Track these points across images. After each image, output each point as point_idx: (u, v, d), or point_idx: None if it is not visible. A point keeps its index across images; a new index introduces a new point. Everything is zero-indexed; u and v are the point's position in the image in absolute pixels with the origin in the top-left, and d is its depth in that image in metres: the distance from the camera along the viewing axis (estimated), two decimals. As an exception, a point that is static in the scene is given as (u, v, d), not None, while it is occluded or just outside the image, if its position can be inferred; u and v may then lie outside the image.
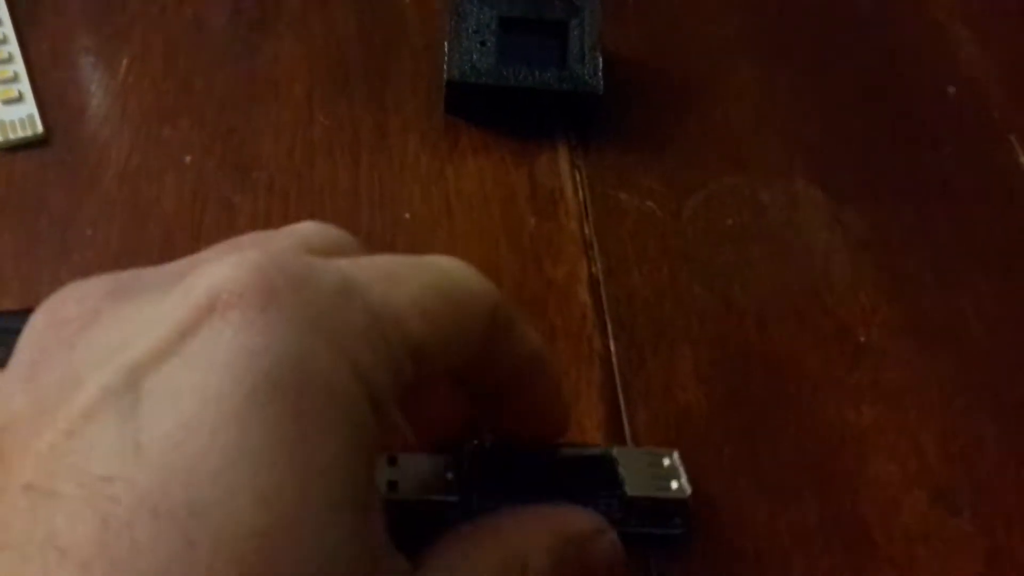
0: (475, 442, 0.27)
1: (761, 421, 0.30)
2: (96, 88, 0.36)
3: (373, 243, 0.32)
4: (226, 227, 0.33)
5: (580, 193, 0.35)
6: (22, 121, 0.34)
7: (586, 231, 0.34)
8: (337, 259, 0.19)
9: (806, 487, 0.29)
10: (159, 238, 0.32)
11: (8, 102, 0.35)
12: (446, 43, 0.36)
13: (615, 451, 0.27)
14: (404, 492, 0.25)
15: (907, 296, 0.33)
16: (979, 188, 0.37)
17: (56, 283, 0.30)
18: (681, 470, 0.27)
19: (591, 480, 0.26)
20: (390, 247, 0.33)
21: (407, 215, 0.34)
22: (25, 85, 0.35)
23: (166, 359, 0.16)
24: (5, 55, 0.36)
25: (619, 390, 0.30)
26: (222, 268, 0.17)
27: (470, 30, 0.36)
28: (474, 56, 0.36)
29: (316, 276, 0.17)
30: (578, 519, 0.23)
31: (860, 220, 0.35)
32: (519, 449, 0.26)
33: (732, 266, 0.33)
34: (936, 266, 0.34)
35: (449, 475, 0.26)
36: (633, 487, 0.26)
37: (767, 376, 0.31)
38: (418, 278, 0.19)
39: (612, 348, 0.31)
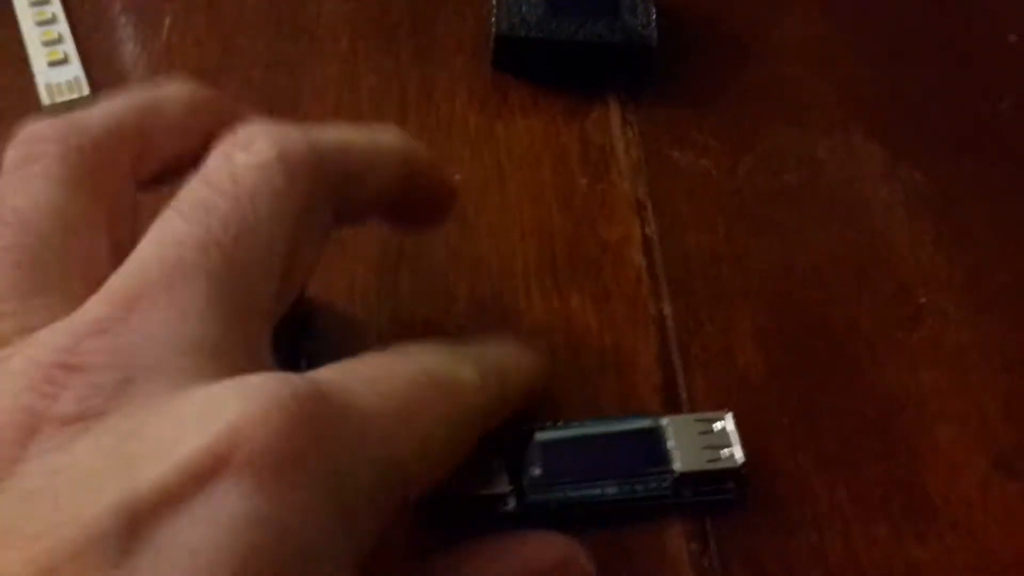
0: (524, 428, 0.27)
1: (820, 385, 0.29)
2: (140, 48, 0.36)
3: (423, 205, 0.32)
4: (276, 190, 0.32)
5: (632, 151, 0.34)
6: (69, 83, 0.34)
7: (639, 191, 0.33)
8: (359, 386, 0.18)
9: (865, 452, 0.28)
10: (210, 202, 0.32)
11: (54, 64, 0.34)
12: (493, -6, 0.36)
13: (664, 421, 0.27)
14: (454, 487, 0.25)
15: (968, 254, 0.33)
16: (1042, 140, 0.36)
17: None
18: (734, 435, 0.27)
19: (639, 458, 0.26)
20: (440, 208, 0.32)
21: (456, 176, 0.33)
22: (70, 46, 0.35)
23: (167, 511, 0.15)
24: (49, 15, 0.35)
25: (675, 354, 0.30)
26: (247, 403, 0.16)
27: (518, -20, 0.35)
28: (523, 8, 0.35)
29: (339, 428, 0.17)
30: (544, 552, 0.23)
31: (919, 175, 0.34)
32: (566, 431, 0.27)
33: (790, 225, 0.33)
34: (997, 222, 0.34)
35: (496, 465, 0.26)
36: (683, 462, 0.26)
37: (826, 339, 0.30)
38: (426, 411, 0.19)
39: (668, 312, 0.31)
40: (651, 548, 0.26)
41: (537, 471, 0.26)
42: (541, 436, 0.27)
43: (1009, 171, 0.35)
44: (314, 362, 0.28)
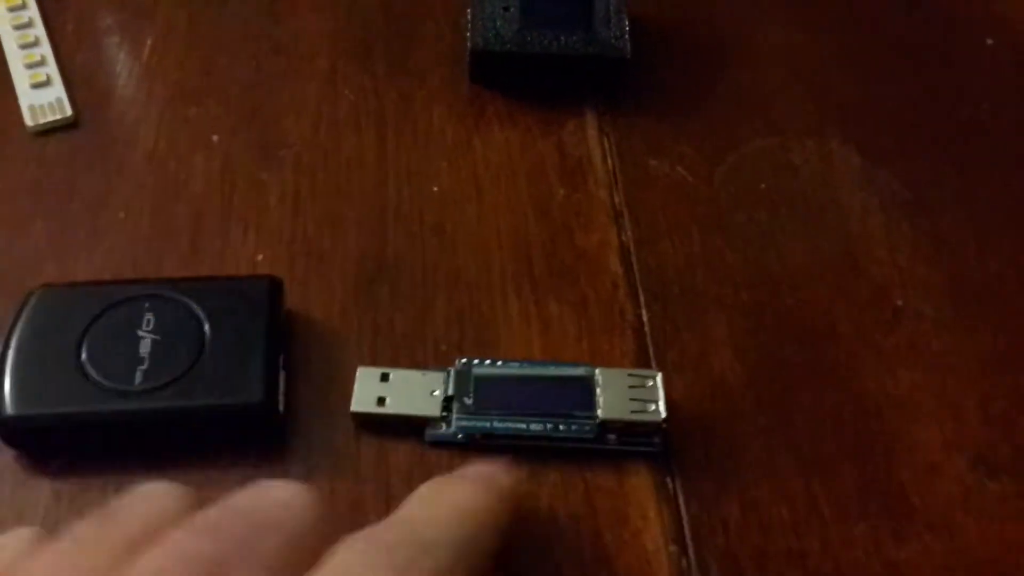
0: (462, 361, 0.29)
1: (797, 388, 0.29)
2: (121, 69, 0.36)
3: (402, 218, 0.33)
4: (256, 206, 0.33)
5: (609, 161, 0.35)
6: (51, 105, 0.34)
7: (616, 199, 0.34)
8: None
9: (844, 454, 0.28)
10: (190, 219, 0.32)
11: (37, 86, 0.35)
12: (469, 10, 0.36)
13: (598, 372, 0.28)
14: (391, 407, 0.28)
15: (945, 258, 0.33)
16: (1019, 144, 0.36)
17: (90, 267, 0.31)
18: (661, 392, 0.28)
19: (567, 401, 0.28)
20: (419, 221, 0.33)
21: (435, 188, 0.33)
22: (52, 68, 0.35)
23: None
24: (32, 38, 0.36)
25: (652, 360, 0.30)
26: None
27: (493, -4, 0.36)
28: (498, 23, 0.35)
29: None
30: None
31: (896, 180, 0.35)
32: (503, 369, 0.28)
33: (766, 231, 0.33)
34: (974, 226, 0.34)
35: (435, 392, 0.28)
36: (608, 410, 0.27)
37: (803, 342, 0.30)
38: None
39: (644, 318, 0.31)
40: (631, 549, 0.26)
41: (468, 400, 0.28)
42: (478, 370, 0.28)
43: (986, 175, 0.35)
44: (293, 374, 0.29)
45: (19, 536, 0.21)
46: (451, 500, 0.22)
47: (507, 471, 0.24)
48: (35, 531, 0.21)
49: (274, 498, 0.20)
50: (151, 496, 0.21)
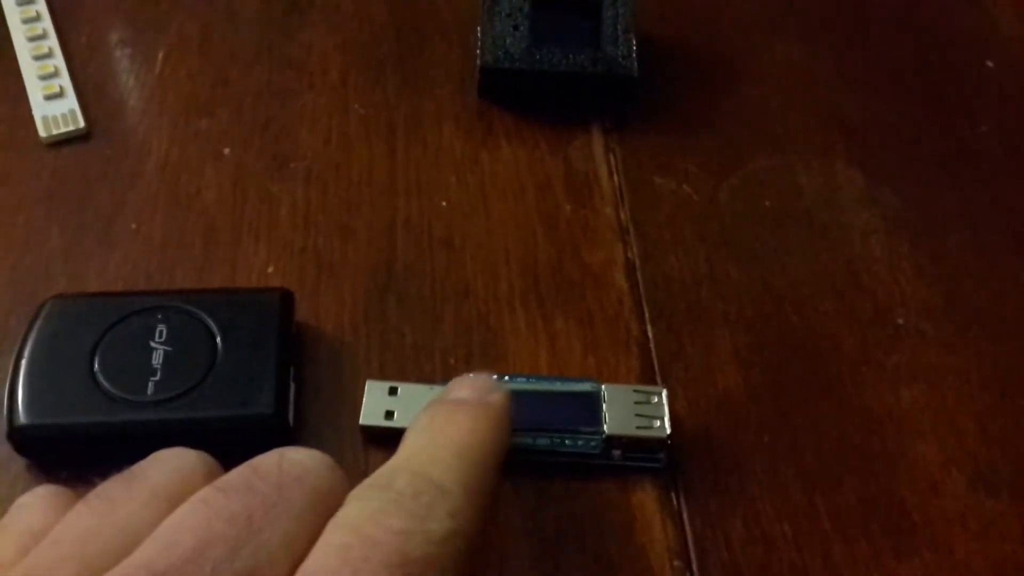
0: (470, 376, 0.28)
1: (800, 404, 0.30)
2: (134, 81, 0.36)
3: (411, 231, 0.33)
4: (267, 218, 0.33)
5: (615, 178, 0.35)
6: (64, 116, 0.35)
7: (622, 216, 0.34)
8: None
9: (845, 470, 0.29)
10: (202, 230, 0.33)
11: (50, 97, 0.35)
12: (479, 27, 0.36)
13: (604, 388, 0.28)
14: (400, 421, 0.28)
15: (946, 277, 0.33)
16: (1019, 165, 0.37)
17: (103, 278, 0.31)
18: (666, 409, 0.28)
19: (573, 416, 0.28)
20: (427, 235, 0.33)
21: (443, 203, 0.34)
22: (66, 80, 0.36)
23: None
24: (45, 50, 0.36)
25: (657, 375, 0.30)
26: None
27: (503, 13, 0.36)
28: (507, 41, 0.36)
29: None
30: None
31: (898, 200, 0.35)
32: (510, 384, 0.28)
33: (770, 249, 0.33)
34: (975, 246, 0.34)
35: None
36: (613, 426, 0.28)
37: (806, 359, 0.31)
38: None
39: (650, 333, 0.31)
40: (635, 564, 0.27)
41: None
42: None
43: (987, 195, 0.36)
44: (303, 387, 0.29)
45: (39, 496, 0.21)
46: (451, 437, 0.22)
47: (494, 383, 0.24)
48: (52, 489, 0.21)
49: (293, 459, 0.20)
50: (173, 458, 0.21)
